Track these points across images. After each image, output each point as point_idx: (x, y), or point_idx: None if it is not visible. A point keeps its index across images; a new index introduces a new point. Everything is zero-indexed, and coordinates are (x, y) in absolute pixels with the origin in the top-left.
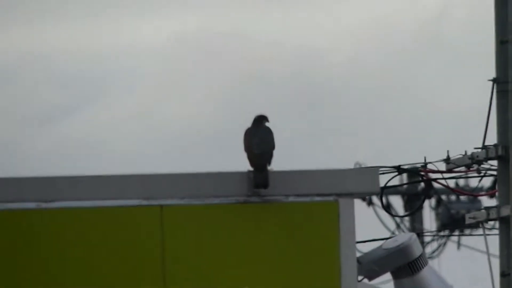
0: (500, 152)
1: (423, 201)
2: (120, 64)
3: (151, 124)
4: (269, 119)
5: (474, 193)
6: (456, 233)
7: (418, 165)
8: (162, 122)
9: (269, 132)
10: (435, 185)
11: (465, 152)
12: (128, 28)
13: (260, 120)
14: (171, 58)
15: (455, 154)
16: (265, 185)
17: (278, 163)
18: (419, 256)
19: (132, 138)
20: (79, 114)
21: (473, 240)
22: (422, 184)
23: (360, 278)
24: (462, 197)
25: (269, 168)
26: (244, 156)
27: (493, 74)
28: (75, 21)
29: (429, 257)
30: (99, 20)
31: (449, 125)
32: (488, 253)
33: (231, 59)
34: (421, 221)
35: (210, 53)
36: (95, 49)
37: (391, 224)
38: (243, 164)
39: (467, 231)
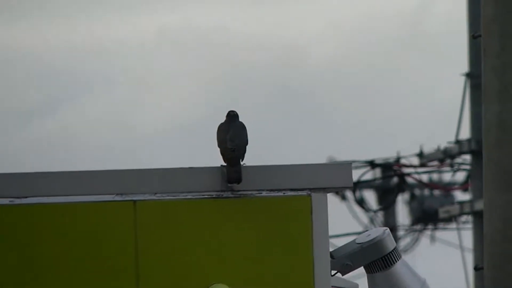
0: (473, 147)
1: (396, 196)
2: (102, 60)
3: (131, 119)
4: (246, 114)
5: (447, 187)
6: (430, 227)
7: (391, 160)
8: (142, 118)
9: (242, 128)
10: (408, 179)
11: (438, 146)
12: (111, 23)
13: (234, 116)
14: (154, 53)
15: (428, 149)
16: (238, 180)
17: (251, 158)
18: (393, 250)
19: (112, 134)
20: (61, 110)
21: (447, 234)
22: (396, 178)
23: (333, 272)
24: (436, 192)
25: (242, 163)
26: (218, 151)
27: (467, 69)
28: (57, 17)
29: (402, 251)
30: (81, 16)
31: (423, 120)
32: (461, 247)
33: (213, 55)
34: (394, 216)
35: (192, 48)
36: (76, 45)
37: (365, 219)
38: (218, 159)
39: (440, 226)
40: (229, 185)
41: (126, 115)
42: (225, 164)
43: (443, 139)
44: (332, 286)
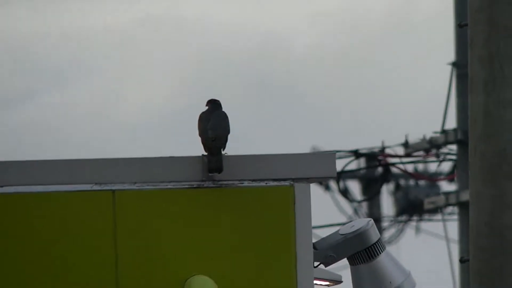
0: (459, 136)
1: (381, 186)
2: (84, 48)
3: (112, 107)
4: (229, 104)
5: (433, 178)
6: (415, 218)
7: (376, 150)
8: (123, 106)
9: (224, 117)
10: (393, 169)
11: (424, 136)
12: (94, 11)
13: (216, 104)
14: (135, 42)
15: (413, 139)
16: (219, 169)
17: (234, 147)
18: (377, 242)
19: (92, 123)
20: (39, 98)
21: (432, 225)
22: (380, 168)
23: (316, 264)
24: (421, 182)
25: (223, 152)
26: (199, 140)
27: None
28: (38, 4)
29: (387, 243)
30: (62, 3)
31: (408, 109)
32: (447, 238)
33: (194, 43)
34: (378, 206)
35: (173, 37)
36: (57, 32)
37: (348, 209)
38: (199, 149)
39: (426, 217)
40: (210, 174)
41: (107, 103)
42: (206, 154)
43: (429, 129)
44: (315, 278)
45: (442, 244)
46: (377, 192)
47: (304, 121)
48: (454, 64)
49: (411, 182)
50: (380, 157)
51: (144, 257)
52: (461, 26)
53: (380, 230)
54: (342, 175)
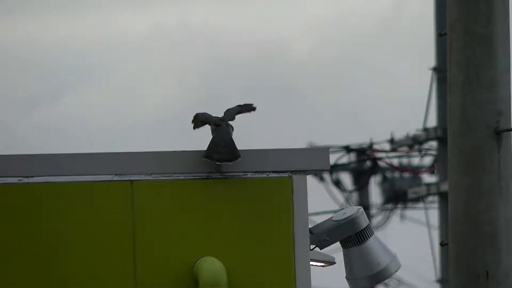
0: (439, 134)
1: (369, 178)
2: (102, 53)
3: (125, 110)
4: (231, 103)
5: (415, 171)
6: (400, 206)
7: (365, 145)
8: (137, 105)
9: (226, 131)
10: (380, 163)
11: (408, 133)
12: (110, 19)
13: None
14: (149, 47)
15: (398, 135)
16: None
17: (239, 143)
18: (366, 227)
19: (108, 121)
20: (63, 98)
21: (415, 213)
22: (369, 162)
23: (312, 246)
24: (405, 174)
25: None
26: (200, 136)
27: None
28: (59, 14)
29: (375, 228)
30: (84, 11)
31: (394, 109)
32: (428, 224)
33: (201, 48)
34: (367, 196)
35: (182, 42)
36: (80, 39)
37: (340, 198)
38: (207, 144)
39: (409, 205)
40: (218, 163)
41: (120, 106)
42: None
43: (412, 127)
44: (311, 259)
45: (424, 229)
46: (366, 183)
47: (301, 120)
48: (434, 69)
49: (396, 174)
50: (368, 152)
51: (159, 240)
52: (441, 35)
53: (369, 217)
54: (335, 168)
